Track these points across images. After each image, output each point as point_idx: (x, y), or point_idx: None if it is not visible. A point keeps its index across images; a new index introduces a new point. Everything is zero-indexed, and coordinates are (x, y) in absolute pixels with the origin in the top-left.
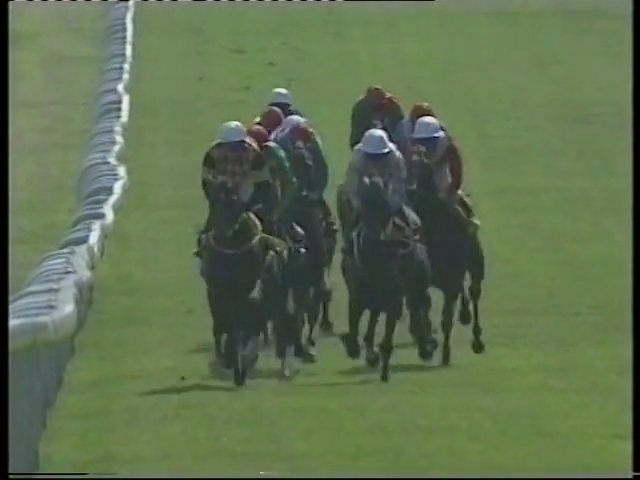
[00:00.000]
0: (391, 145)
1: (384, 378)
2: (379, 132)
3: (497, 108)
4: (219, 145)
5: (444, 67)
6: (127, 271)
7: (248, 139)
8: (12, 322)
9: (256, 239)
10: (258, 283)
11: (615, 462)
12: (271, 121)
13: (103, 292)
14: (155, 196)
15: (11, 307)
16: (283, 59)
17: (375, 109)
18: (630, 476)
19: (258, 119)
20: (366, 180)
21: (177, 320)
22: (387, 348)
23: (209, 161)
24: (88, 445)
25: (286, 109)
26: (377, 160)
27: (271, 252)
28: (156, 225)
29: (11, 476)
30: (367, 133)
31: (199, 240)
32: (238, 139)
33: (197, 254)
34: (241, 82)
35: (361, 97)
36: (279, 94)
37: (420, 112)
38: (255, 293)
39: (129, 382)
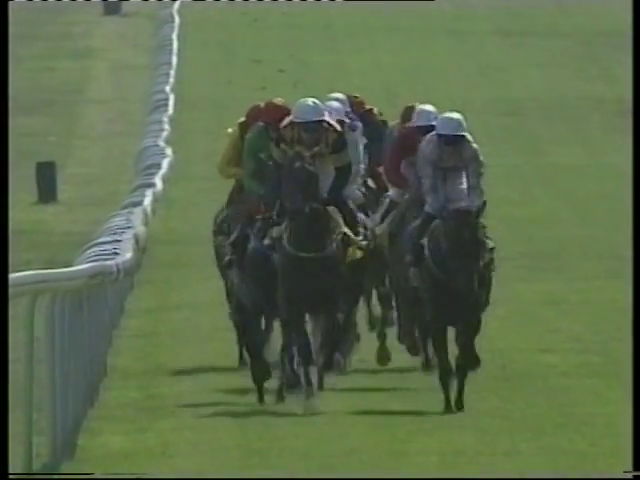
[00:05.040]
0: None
1: (459, 406)
2: (456, 115)
3: (451, 105)
4: (292, 124)
5: (411, 73)
6: (172, 226)
7: (328, 118)
8: (86, 265)
9: (337, 239)
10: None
11: (539, 370)
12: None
13: (155, 242)
14: (194, 171)
15: (85, 254)
16: (290, 67)
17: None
18: (630, 476)
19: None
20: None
21: (211, 263)
22: (465, 367)
23: (280, 142)
24: (144, 358)
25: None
26: (452, 145)
27: (353, 250)
28: (194, 192)
29: (11, 476)
30: (441, 116)
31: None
32: (316, 118)
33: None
34: (258, 84)
35: None
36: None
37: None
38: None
39: (174, 310)
